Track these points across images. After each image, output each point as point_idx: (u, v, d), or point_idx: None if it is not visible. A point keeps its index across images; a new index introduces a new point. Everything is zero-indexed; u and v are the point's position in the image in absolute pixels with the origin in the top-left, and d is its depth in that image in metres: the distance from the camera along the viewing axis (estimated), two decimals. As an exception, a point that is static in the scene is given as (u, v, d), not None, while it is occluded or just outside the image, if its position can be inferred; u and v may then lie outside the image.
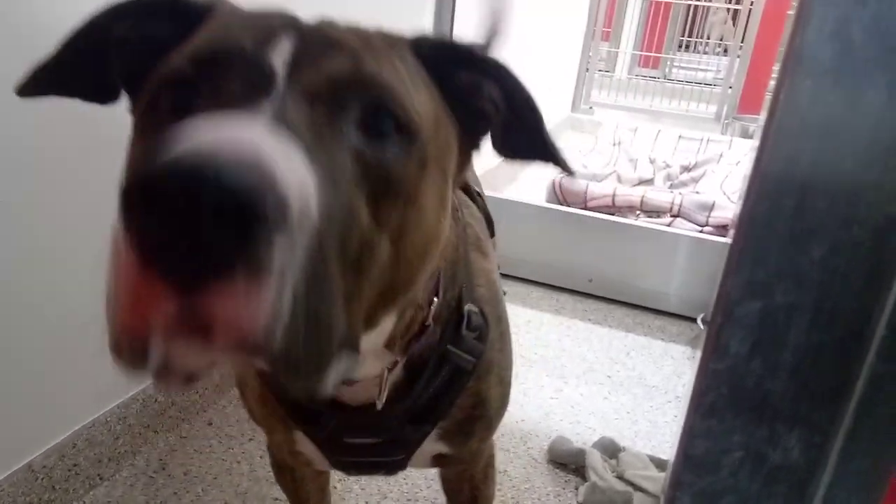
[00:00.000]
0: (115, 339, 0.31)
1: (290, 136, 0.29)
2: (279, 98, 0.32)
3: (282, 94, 0.32)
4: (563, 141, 3.74)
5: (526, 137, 0.47)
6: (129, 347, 0.31)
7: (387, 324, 0.47)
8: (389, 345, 0.50)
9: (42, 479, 0.94)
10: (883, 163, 0.19)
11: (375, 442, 0.58)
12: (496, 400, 0.64)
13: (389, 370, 0.52)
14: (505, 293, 0.76)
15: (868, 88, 0.18)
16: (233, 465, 1.11)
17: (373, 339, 0.46)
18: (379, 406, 0.53)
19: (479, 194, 0.71)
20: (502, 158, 0.48)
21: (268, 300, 0.27)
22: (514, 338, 1.62)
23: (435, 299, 0.52)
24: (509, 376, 0.68)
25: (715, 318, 0.22)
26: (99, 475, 1.04)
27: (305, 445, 0.61)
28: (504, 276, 1.94)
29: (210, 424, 1.20)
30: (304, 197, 0.28)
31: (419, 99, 0.38)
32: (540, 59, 3.11)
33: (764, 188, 0.20)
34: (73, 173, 0.89)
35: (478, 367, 0.59)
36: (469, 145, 0.47)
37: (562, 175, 2.34)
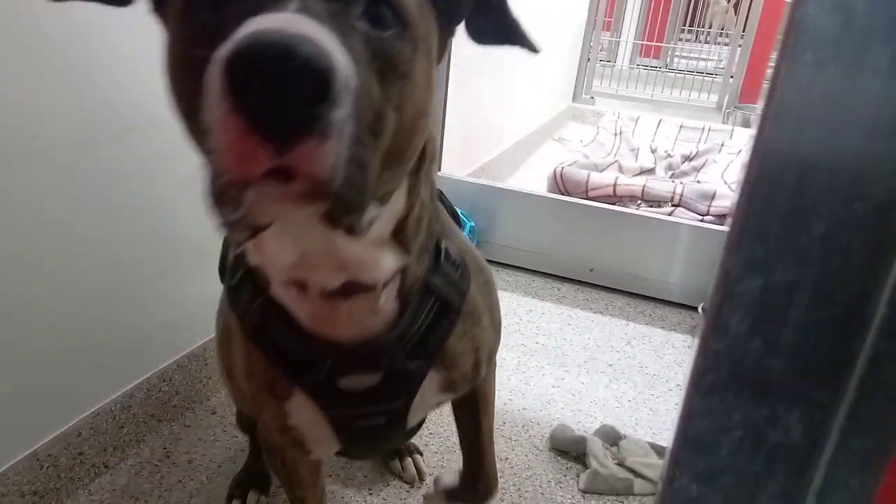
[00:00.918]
0: (215, 187, 0.36)
1: (319, 21, 0.35)
2: None
3: None
4: (565, 131, 3.73)
5: (495, 23, 0.53)
6: (227, 193, 0.36)
7: (395, 203, 0.52)
8: (396, 236, 0.54)
9: (47, 467, 0.95)
10: (885, 137, 0.19)
11: (373, 386, 0.59)
12: (492, 339, 0.69)
13: (384, 286, 0.54)
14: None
15: (870, 60, 0.18)
16: (237, 453, 1.12)
17: (385, 222, 0.52)
18: (376, 309, 0.55)
19: (441, 193, 0.71)
20: (475, 42, 0.54)
21: (333, 149, 0.34)
22: (515, 327, 1.64)
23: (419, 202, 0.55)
24: (500, 319, 0.72)
25: (715, 296, 0.22)
26: (104, 463, 1.05)
27: (298, 416, 0.61)
28: (505, 265, 1.95)
29: (214, 413, 1.21)
30: (349, 75, 0.35)
31: None
32: (542, 49, 3.09)
33: (764, 164, 0.20)
34: (71, 164, 0.89)
35: (468, 310, 0.62)
36: (446, 32, 0.52)
37: (563, 165, 2.34)
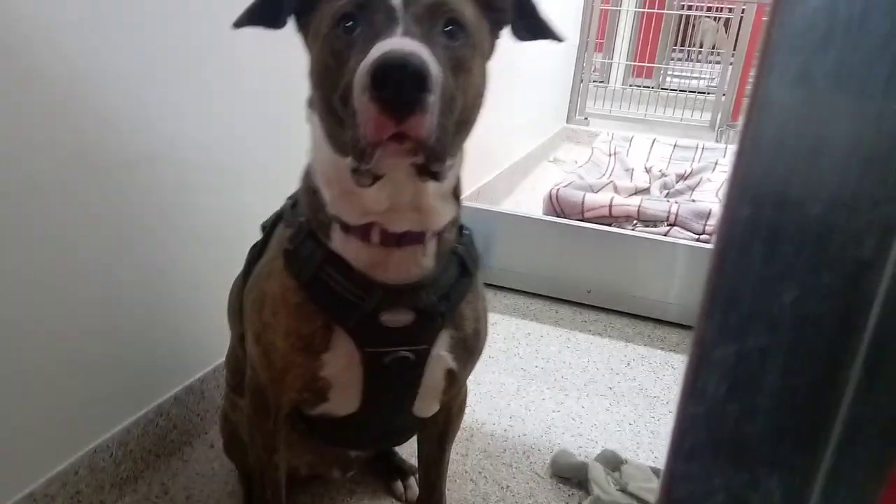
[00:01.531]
0: (357, 149, 0.57)
1: (419, 40, 0.56)
2: (404, 22, 0.57)
3: (404, 20, 0.57)
4: (560, 152, 3.75)
5: (529, 23, 0.72)
6: (364, 152, 0.56)
7: (457, 165, 0.71)
8: (454, 194, 0.73)
9: (44, 507, 0.94)
10: (848, 206, 0.19)
11: (406, 324, 0.72)
12: (485, 324, 0.82)
13: (431, 236, 0.71)
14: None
15: (832, 134, 0.19)
16: (235, 487, 1.11)
17: (451, 178, 0.71)
18: (421, 259, 0.71)
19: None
20: (516, 39, 0.72)
21: (429, 119, 0.55)
22: (514, 351, 1.64)
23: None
24: (487, 320, 0.85)
25: (691, 361, 0.22)
26: (101, 501, 1.04)
27: (334, 364, 0.73)
28: (503, 288, 1.95)
29: (212, 447, 1.20)
30: (438, 75, 0.55)
31: (469, 12, 0.64)
32: (535, 71, 3.13)
33: (733, 234, 0.20)
34: (66, 200, 0.90)
35: (475, 282, 0.79)
36: (494, 34, 0.71)
37: (558, 186, 2.35)
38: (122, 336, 1.04)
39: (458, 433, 1.28)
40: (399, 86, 0.52)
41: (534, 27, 0.72)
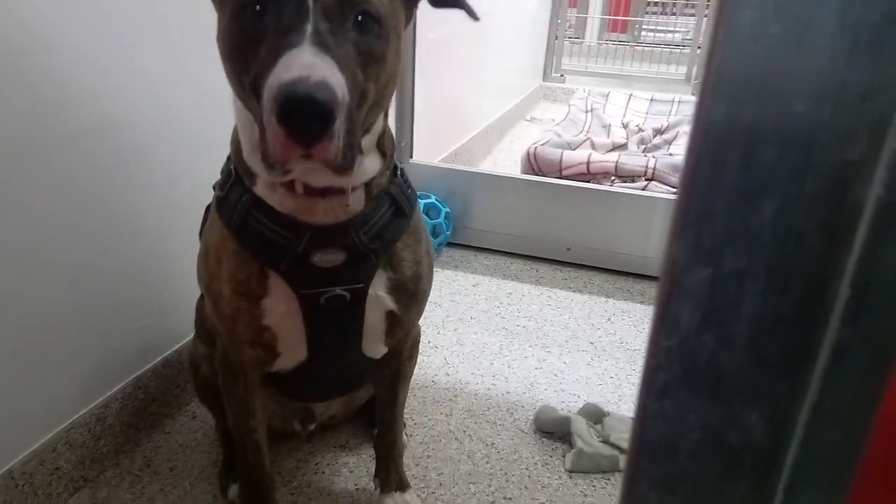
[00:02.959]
0: (267, 159, 0.58)
1: (327, 51, 0.56)
2: (313, 18, 0.57)
3: (314, 16, 0.57)
4: (537, 111, 3.71)
5: None
6: (276, 167, 0.58)
7: (377, 126, 0.72)
8: (378, 146, 0.74)
9: (23, 485, 0.92)
10: (835, 101, 0.17)
11: (339, 264, 0.73)
12: (427, 267, 0.83)
13: (360, 185, 0.72)
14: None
15: (816, 16, 0.17)
16: (219, 457, 1.10)
17: (370, 140, 0.71)
18: (345, 206, 0.72)
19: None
20: (432, 6, 0.72)
21: (335, 145, 0.57)
22: (496, 311, 1.64)
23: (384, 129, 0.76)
24: (432, 263, 0.86)
25: (662, 289, 0.20)
26: (83, 477, 1.02)
27: (273, 312, 0.74)
28: (483, 249, 1.94)
29: (194, 418, 1.19)
30: (344, 94, 0.56)
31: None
32: (509, 29, 3.07)
33: (706, 140, 0.18)
34: (30, 168, 0.86)
35: (412, 226, 0.79)
36: (411, 8, 0.71)
37: (536, 145, 2.33)
38: (95, 310, 1.01)
39: (442, 393, 1.28)
40: (305, 118, 0.54)
41: None
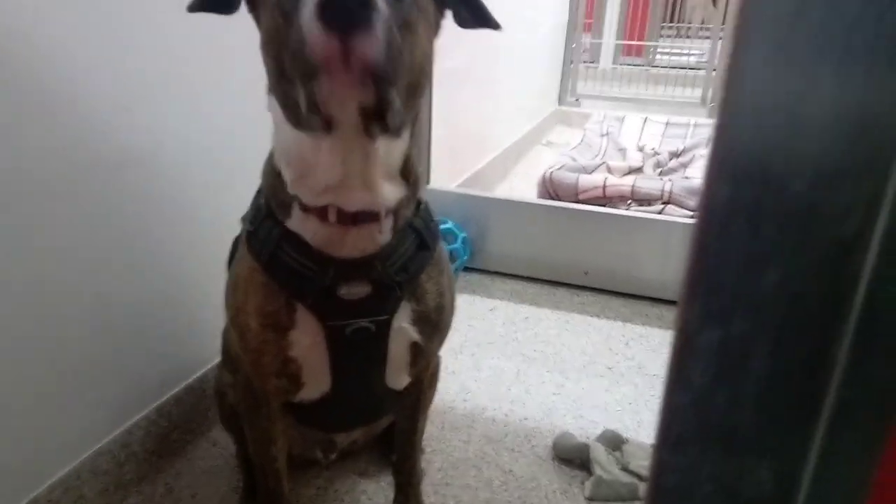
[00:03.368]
0: (309, 84, 0.57)
1: None
2: None
3: None
4: (553, 135, 3.74)
5: (471, 10, 0.74)
6: (315, 80, 0.56)
7: (403, 142, 0.71)
8: (402, 173, 0.73)
9: (49, 511, 0.94)
10: (831, 181, 0.18)
11: (366, 296, 0.74)
12: (450, 300, 0.84)
13: (386, 214, 0.72)
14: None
15: (812, 107, 0.18)
16: (240, 483, 1.11)
17: (397, 157, 0.71)
18: (376, 237, 0.73)
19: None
20: (459, 26, 0.74)
21: (377, 39, 0.54)
22: (513, 336, 1.64)
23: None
24: (454, 293, 0.87)
25: (675, 348, 0.21)
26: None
27: (300, 343, 0.75)
28: (500, 274, 1.94)
29: (215, 445, 1.20)
30: (384, 6, 0.55)
31: None
32: (524, 54, 3.10)
33: (712, 216, 0.19)
34: (56, 201, 0.89)
35: (435, 259, 0.80)
36: (440, 10, 0.73)
37: (552, 169, 2.35)
38: (120, 338, 1.03)
39: (460, 419, 1.29)
40: (345, 8, 0.53)
41: (474, 14, 0.75)
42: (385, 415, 1.03)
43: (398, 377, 0.85)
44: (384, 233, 0.73)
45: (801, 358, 0.20)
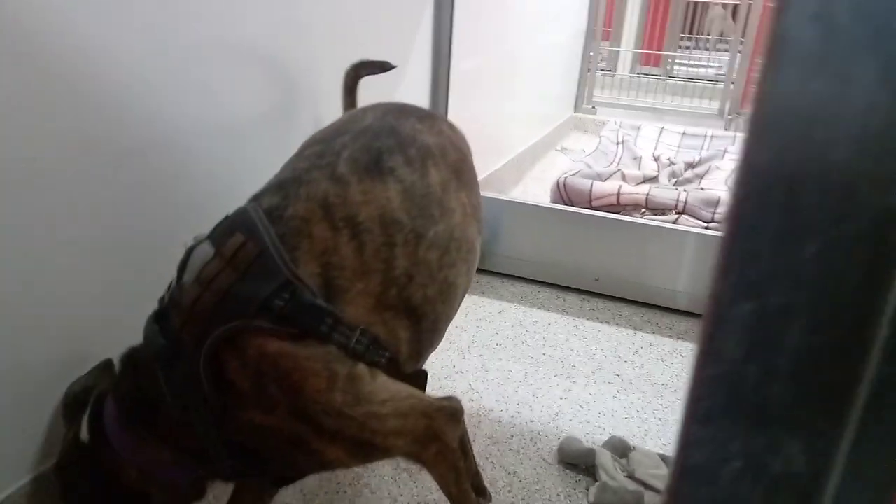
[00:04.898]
0: None
1: None
2: None
3: None
4: (568, 141, 3.73)
5: None
6: None
7: None
8: None
9: None
10: (875, 151, 0.18)
11: None
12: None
13: None
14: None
15: (856, 72, 0.18)
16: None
17: None
18: None
19: None
20: None
21: None
22: (522, 339, 1.63)
23: None
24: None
25: (706, 321, 0.21)
26: None
27: None
28: (511, 276, 1.94)
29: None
30: None
31: None
32: (542, 60, 3.10)
33: (751, 183, 0.19)
34: (73, 189, 0.90)
35: None
36: None
37: (566, 175, 2.34)
38: (127, 330, 1.04)
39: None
40: None
41: None
42: None
43: None
44: None
45: (838, 333, 0.20)
